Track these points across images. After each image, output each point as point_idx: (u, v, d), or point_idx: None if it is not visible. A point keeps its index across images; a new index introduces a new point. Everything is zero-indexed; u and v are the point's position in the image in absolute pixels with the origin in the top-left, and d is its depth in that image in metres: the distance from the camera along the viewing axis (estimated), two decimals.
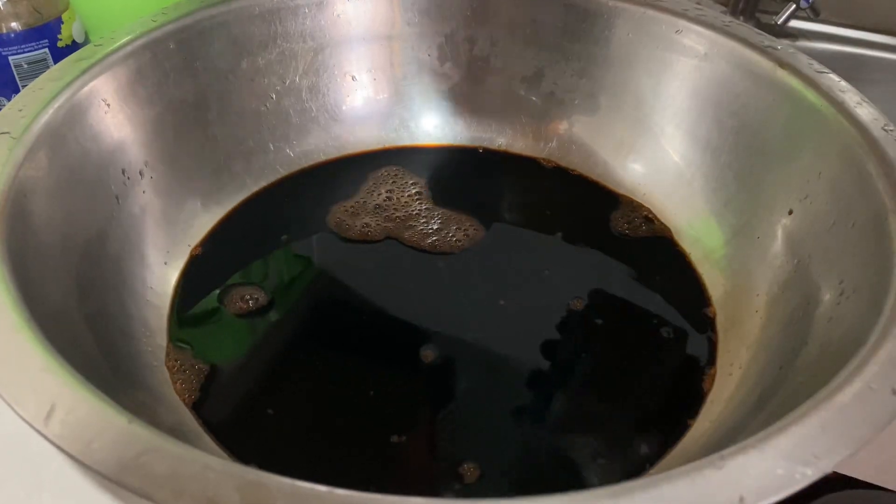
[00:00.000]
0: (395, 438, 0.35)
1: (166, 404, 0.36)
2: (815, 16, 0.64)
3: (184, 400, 0.36)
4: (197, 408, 0.36)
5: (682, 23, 0.46)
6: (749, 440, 0.23)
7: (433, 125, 0.53)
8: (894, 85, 0.63)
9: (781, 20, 0.64)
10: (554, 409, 0.37)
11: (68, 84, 0.38)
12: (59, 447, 0.22)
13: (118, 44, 0.42)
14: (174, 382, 0.37)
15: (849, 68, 0.43)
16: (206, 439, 0.34)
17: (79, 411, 0.23)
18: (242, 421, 0.36)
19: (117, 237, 0.40)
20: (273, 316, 0.41)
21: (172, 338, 0.39)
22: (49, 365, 0.25)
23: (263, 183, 0.49)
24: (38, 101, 0.37)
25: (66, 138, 0.37)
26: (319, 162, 0.51)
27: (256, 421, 0.36)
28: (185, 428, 0.35)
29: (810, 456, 0.23)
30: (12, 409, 0.23)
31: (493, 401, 0.37)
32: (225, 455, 0.34)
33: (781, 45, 0.42)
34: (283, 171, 0.50)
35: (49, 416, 0.23)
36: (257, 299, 0.42)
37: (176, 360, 0.38)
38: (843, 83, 0.39)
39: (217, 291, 0.42)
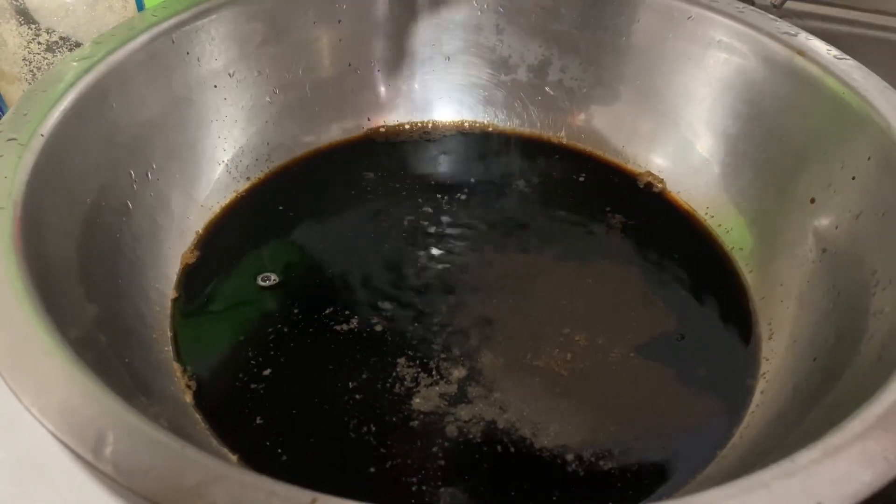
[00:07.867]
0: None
1: (185, 416, 0.35)
2: None
3: (197, 408, 0.35)
4: (212, 419, 0.35)
5: (695, 10, 0.45)
6: (818, 444, 0.23)
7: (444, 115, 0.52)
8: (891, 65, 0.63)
9: (778, 1, 0.64)
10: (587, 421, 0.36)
11: (71, 85, 0.37)
12: (115, 480, 0.21)
13: (118, 42, 0.40)
14: (187, 390, 0.36)
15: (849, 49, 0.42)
16: (226, 452, 0.33)
17: (128, 439, 0.22)
18: (257, 425, 0.35)
19: (129, 245, 0.38)
20: (286, 312, 0.40)
21: (182, 346, 0.38)
22: (89, 391, 0.24)
23: (269, 175, 0.48)
24: (42, 105, 0.35)
25: (75, 140, 0.36)
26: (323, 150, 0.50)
27: (275, 426, 0.35)
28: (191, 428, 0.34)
29: (881, 458, 0.22)
30: (61, 442, 0.22)
31: (538, 379, 0.36)
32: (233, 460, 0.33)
33: (797, 31, 0.42)
34: (286, 162, 0.49)
35: (99, 445, 0.22)
36: (270, 293, 0.41)
37: (188, 367, 0.37)
38: (865, 69, 0.39)
39: (229, 288, 0.41)
